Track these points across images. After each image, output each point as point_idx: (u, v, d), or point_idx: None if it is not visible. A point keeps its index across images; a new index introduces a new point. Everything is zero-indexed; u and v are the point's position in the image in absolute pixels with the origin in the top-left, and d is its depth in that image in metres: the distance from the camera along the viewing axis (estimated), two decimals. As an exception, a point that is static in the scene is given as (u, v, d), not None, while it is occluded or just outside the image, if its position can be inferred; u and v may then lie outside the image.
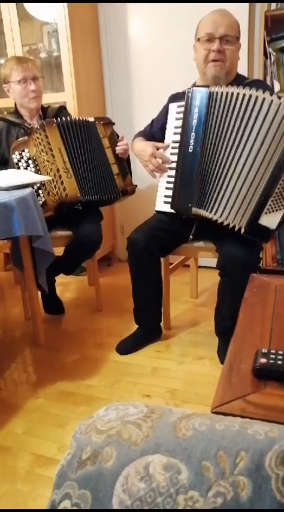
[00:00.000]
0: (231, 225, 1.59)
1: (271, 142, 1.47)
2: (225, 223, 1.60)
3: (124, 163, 2.13)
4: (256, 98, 1.47)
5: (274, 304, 1.08)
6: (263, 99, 1.46)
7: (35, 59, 2.15)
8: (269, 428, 0.50)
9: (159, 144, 1.80)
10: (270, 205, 1.52)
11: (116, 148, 2.07)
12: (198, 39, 1.70)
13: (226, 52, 1.66)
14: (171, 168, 1.77)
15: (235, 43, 1.67)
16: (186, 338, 2.04)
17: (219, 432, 0.50)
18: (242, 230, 1.57)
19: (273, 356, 0.81)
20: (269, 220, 1.54)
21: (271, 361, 0.80)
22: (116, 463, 0.49)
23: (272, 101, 1.44)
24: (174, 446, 0.49)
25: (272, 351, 0.82)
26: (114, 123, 2.14)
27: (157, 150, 1.79)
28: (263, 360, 0.80)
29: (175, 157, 1.74)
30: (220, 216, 1.61)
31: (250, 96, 1.48)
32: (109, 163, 2.07)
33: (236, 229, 1.58)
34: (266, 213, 1.53)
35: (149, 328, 2.00)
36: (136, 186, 2.18)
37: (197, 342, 2.00)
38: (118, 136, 2.13)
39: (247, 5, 2.34)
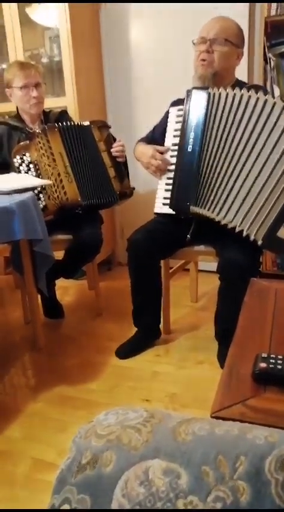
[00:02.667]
0: (245, 233, 1.52)
1: (275, 145, 1.43)
2: (230, 226, 1.57)
3: (122, 166, 2.13)
4: (257, 99, 1.47)
5: (274, 309, 1.08)
6: (265, 100, 1.46)
7: (37, 64, 2.16)
8: (268, 433, 0.50)
9: (159, 148, 1.81)
10: None
11: (112, 150, 2.08)
12: (193, 43, 1.73)
13: (215, 53, 1.69)
14: (169, 170, 1.78)
15: (225, 45, 1.68)
16: (186, 342, 2.04)
17: (219, 437, 0.50)
18: (260, 242, 1.50)
19: (273, 360, 0.81)
20: None
21: (270, 366, 0.80)
22: (116, 468, 0.49)
23: (266, 100, 1.45)
24: (174, 451, 0.49)
25: (272, 356, 0.82)
26: (110, 127, 2.15)
27: (157, 152, 1.79)
28: (262, 365, 0.80)
29: (174, 160, 1.75)
30: (229, 220, 1.57)
31: (250, 97, 1.49)
32: (106, 166, 2.08)
33: (251, 239, 1.52)
34: None
35: (147, 329, 2.00)
36: (134, 188, 2.19)
37: (197, 346, 2.00)
38: (115, 139, 2.14)
39: (247, 10, 2.36)
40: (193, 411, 1.56)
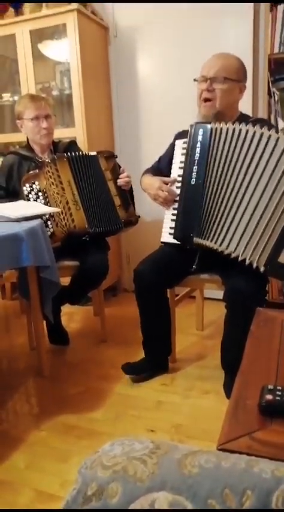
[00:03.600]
0: (248, 262, 1.55)
1: (280, 179, 1.48)
2: (233, 255, 1.60)
3: (127, 194, 2.17)
4: (262, 134, 1.52)
5: (280, 339, 1.08)
6: (269, 136, 1.50)
7: (47, 97, 2.24)
8: (275, 467, 0.50)
9: (166, 179, 1.84)
10: None
11: (118, 180, 2.12)
12: (195, 80, 1.79)
13: (216, 91, 1.73)
14: (176, 201, 1.81)
15: (225, 83, 1.72)
16: (192, 371, 2.02)
17: (225, 470, 0.50)
18: (262, 268, 1.53)
19: (279, 393, 0.80)
20: None
21: (277, 398, 0.79)
22: (122, 500, 0.49)
23: (270, 135, 1.50)
24: (180, 484, 0.49)
25: (278, 388, 0.82)
26: (116, 156, 2.20)
27: (164, 184, 1.83)
28: (269, 397, 0.80)
29: (179, 191, 1.78)
30: (232, 250, 1.60)
31: (253, 131, 1.54)
32: (111, 195, 2.12)
33: (254, 266, 1.55)
34: None
35: (157, 361, 1.99)
36: (139, 216, 2.22)
37: (203, 376, 1.98)
38: (119, 167, 2.18)
39: (251, 48, 2.45)
40: (199, 443, 1.53)
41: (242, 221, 1.57)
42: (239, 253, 1.58)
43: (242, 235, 1.57)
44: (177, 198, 1.80)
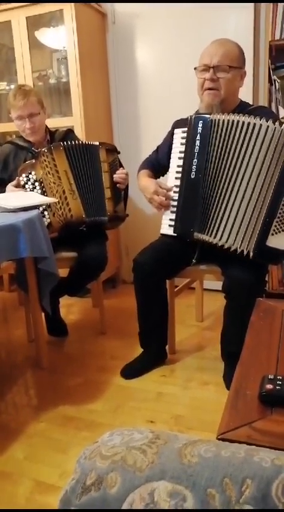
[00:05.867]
0: (239, 251, 1.59)
1: (269, 166, 1.51)
2: (228, 246, 1.62)
3: (120, 191, 2.14)
4: (254, 124, 1.52)
5: (281, 329, 1.07)
6: (260, 126, 1.51)
7: (32, 89, 2.10)
8: (275, 456, 0.49)
9: (162, 184, 1.82)
10: (276, 226, 1.54)
11: (114, 176, 2.09)
12: (195, 69, 1.75)
13: (220, 80, 1.69)
14: (175, 192, 1.79)
15: (230, 71, 1.69)
16: (191, 362, 2.02)
17: (225, 459, 0.49)
18: (251, 254, 1.57)
19: (279, 382, 0.80)
20: (278, 241, 1.55)
21: (277, 387, 0.79)
22: (121, 489, 0.48)
23: (268, 126, 1.50)
24: (179, 473, 0.48)
25: (278, 377, 0.81)
26: (119, 152, 2.17)
27: (160, 188, 1.80)
28: (269, 386, 0.79)
29: (179, 182, 1.76)
30: (224, 241, 1.62)
31: (249, 123, 1.53)
32: (103, 186, 2.08)
33: (244, 254, 1.58)
34: (272, 234, 1.54)
35: (154, 351, 1.98)
36: (127, 215, 2.20)
37: (202, 367, 1.98)
38: (121, 165, 2.16)
39: (251, 34, 2.42)
40: (199, 434, 1.53)
41: (239, 214, 1.59)
42: (231, 243, 1.61)
43: (232, 225, 1.60)
44: (176, 190, 1.78)
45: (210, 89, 1.70)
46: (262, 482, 0.46)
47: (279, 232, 1.54)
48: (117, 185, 2.11)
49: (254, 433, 0.72)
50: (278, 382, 0.80)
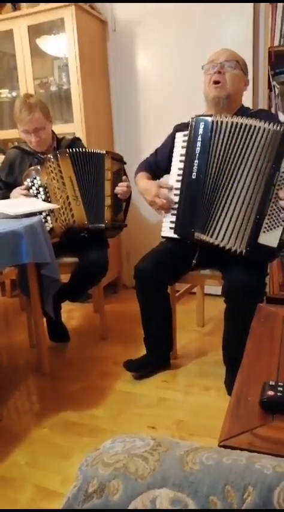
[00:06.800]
0: (233, 249, 1.62)
1: (262, 165, 1.55)
2: (224, 246, 1.64)
3: (120, 201, 2.13)
4: (256, 127, 1.55)
5: (282, 335, 1.07)
6: (258, 128, 1.54)
7: (37, 102, 2.05)
8: (276, 463, 0.50)
9: (163, 184, 1.83)
10: (267, 223, 1.57)
11: (116, 188, 2.09)
12: (203, 68, 1.78)
13: (227, 75, 1.72)
14: (175, 195, 1.80)
15: (236, 68, 1.74)
16: (193, 368, 2.02)
17: (227, 466, 0.49)
18: (244, 251, 1.60)
19: (281, 389, 0.80)
20: (269, 239, 1.58)
21: (278, 394, 0.79)
22: (123, 497, 0.49)
23: (264, 128, 1.54)
24: (181, 481, 0.48)
25: (279, 384, 0.81)
26: (125, 163, 2.17)
27: (161, 189, 1.81)
28: (270, 393, 0.79)
29: (179, 184, 1.77)
30: (221, 240, 1.64)
31: (251, 125, 1.56)
32: (104, 193, 2.08)
33: (237, 252, 1.61)
34: (264, 231, 1.57)
35: (158, 356, 1.99)
36: (126, 225, 2.20)
37: (204, 372, 1.98)
38: (125, 173, 2.16)
39: (251, 41, 2.44)
40: (201, 439, 1.53)
41: (234, 213, 1.62)
42: (226, 242, 1.64)
43: (228, 224, 1.64)
44: (177, 192, 1.79)
45: (216, 82, 1.73)
46: (263, 489, 0.46)
47: (271, 229, 1.58)
48: (118, 196, 2.11)
49: (255, 440, 0.72)
50: (279, 389, 0.80)
